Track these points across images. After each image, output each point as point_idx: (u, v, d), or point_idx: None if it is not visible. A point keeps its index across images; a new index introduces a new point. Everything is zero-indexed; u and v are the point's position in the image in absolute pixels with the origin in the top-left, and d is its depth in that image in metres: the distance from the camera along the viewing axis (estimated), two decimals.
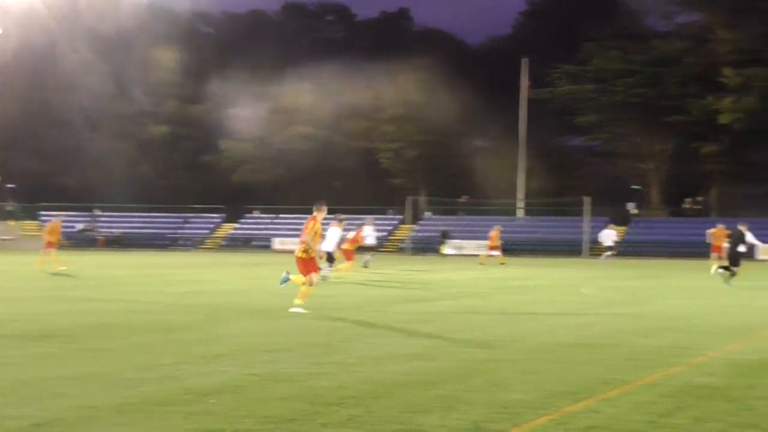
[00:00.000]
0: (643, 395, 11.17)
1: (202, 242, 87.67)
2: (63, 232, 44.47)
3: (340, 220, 36.99)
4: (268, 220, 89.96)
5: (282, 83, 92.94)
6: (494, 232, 57.13)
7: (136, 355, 14.21)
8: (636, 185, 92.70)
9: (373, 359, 14.02)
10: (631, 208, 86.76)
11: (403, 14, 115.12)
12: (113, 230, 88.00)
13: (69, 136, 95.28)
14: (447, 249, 67.98)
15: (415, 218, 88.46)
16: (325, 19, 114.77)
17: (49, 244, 41.46)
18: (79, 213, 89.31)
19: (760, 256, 63.91)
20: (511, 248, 56.96)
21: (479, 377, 12.46)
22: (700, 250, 62.53)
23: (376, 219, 61.23)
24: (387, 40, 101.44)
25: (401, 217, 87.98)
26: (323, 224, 22.41)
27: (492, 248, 56.37)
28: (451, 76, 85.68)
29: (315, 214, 21.96)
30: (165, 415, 9.79)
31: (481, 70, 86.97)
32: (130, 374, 12.33)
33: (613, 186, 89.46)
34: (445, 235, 69.50)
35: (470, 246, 73.06)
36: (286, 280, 22.29)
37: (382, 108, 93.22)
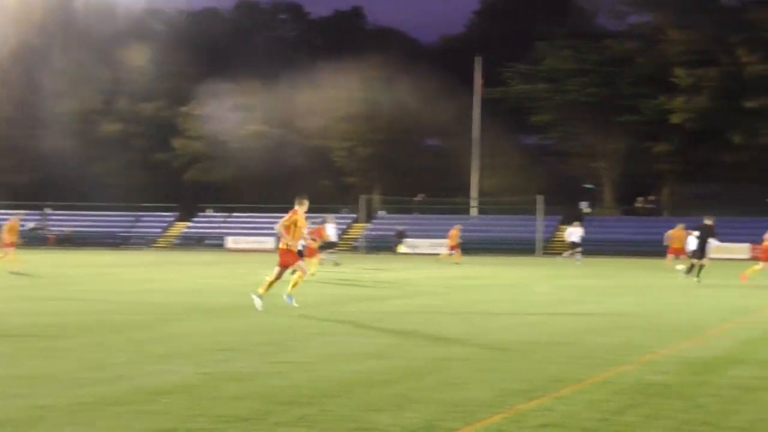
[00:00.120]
0: (595, 393, 11.23)
1: (154, 241, 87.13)
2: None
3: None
4: (221, 219, 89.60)
5: (235, 81, 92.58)
6: (454, 231, 57.14)
7: (89, 355, 14.12)
8: (589, 184, 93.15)
9: (327, 358, 14.01)
10: (584, 207, 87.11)
11: (356, 13, 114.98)
12: (64, 229, 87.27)
13: (19, 133, 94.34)
14: (402, 248, 68.03)
15: (369, 217, 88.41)
16: (278, 17, 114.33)
17: (11, 244, 41.08)
18: (30, 211, 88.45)
19: (713, 254, 64.28)
20: (464, 247, 57.02)
21: (433, 376, 12.48)
22: (653, 249, 63.00)
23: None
24: (340, 39, 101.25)
25: (355, 215, 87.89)
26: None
27: (452, 248, 56.41)
28: (404, 74, 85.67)
29: (296, 207, 21.82)
30: (117, 414, 9.73)
31: (434, 69, 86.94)
32: (82, 374, 12.25)
33: (566, 185, 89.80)
34: (402, 235, 69.53)
35: (424, 245, 73.18)
36: (291, 300, 21.97)
37: (335, 106, 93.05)
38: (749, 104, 78.94)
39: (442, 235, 62.48)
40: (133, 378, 11.94)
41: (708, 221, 37.23)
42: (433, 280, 36.71)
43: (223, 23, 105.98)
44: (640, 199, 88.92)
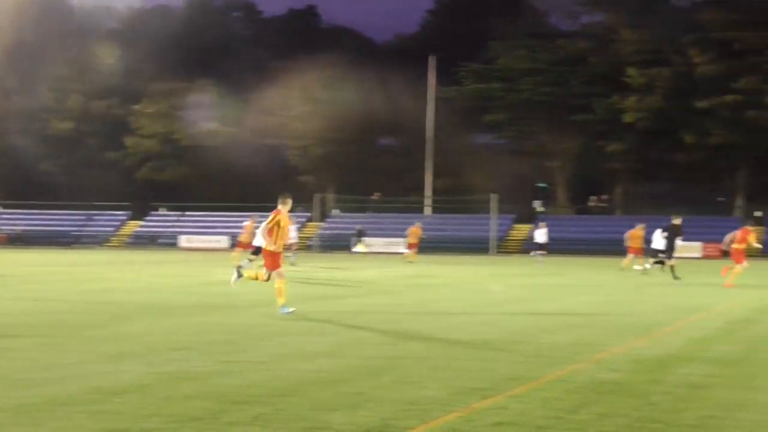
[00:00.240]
0: (549, 391, 11.27)
1: (107, 240, 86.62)
2: None
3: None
4: (174, 218, 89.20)
5: (187, 79, 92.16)
6: (415, 229, 57.07)
7: (40, 354, 13.99)
8: (542, 183, 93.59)
9: (281, 357, 13.98)
10: (538, 206, 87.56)
11: (310, 11, 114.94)
12: (15, 227, 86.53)
13: None
14: (359, 247, 68.04)
15: (323, 216, 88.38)
16: (230, 15, 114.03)
17: None
18: None
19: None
20: (419, 246, 57.07)
21: (388, 374, 12.48)
22: (606, 248, 63.46)
23: None
24: (294, 37, 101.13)
25: (309, 214, 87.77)
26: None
27: (411, 246, 56.39)
28: (358, 73, 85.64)
29: (279, 207, 21.14)
30: (69, 414, 9.64)
31: (389, 68, 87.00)
32: (33, 374, 12.13)
33: (520, 184, 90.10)
34: (361, 233, 69.53)
35: (379, 244, 73.20)
36: (285, 311, 21.09)
37: (289, 105, 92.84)
38: (700, 104, 79.62)
39: (398, 234, 62.48)
40: (86, 378, 11.84)
41: (676, 221, 37.69)
42: (388, 279, 36.72)
43: (175, 21, 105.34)
44: (593, 198, 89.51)
